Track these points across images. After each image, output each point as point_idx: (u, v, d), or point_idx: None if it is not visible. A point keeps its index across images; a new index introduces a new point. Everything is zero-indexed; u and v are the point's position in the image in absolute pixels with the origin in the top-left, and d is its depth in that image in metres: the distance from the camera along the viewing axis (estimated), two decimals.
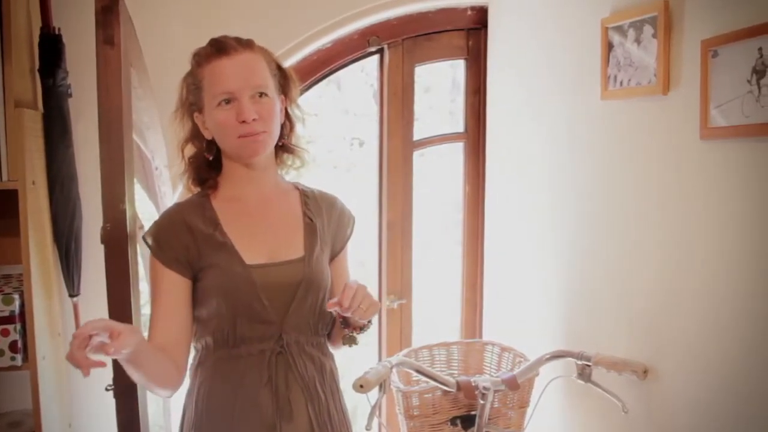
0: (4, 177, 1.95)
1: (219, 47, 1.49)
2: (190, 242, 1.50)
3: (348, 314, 1.41)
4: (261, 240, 1.54)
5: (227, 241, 1.51)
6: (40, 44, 2.11)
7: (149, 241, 1.52)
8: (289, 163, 1.65)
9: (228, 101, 1.46)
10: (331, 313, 1.60)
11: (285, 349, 1.51)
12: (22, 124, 1.95)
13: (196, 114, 1.54)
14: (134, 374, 1.40)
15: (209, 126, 1.52)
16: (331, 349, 1.66)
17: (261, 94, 1.48)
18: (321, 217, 1.63)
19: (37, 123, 2.10)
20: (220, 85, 1.47)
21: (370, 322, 1.55)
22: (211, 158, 1.57)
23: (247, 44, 1.51)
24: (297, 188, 1.67)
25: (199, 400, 1.53)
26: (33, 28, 2.14)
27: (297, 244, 1.57)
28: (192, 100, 1.54)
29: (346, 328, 1.55)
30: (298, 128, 1.64)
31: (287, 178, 1.69)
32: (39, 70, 2.12)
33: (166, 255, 1.49)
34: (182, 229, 1.51)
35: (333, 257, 1.65)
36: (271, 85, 1.52)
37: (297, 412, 1.51)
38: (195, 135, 1.57)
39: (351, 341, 1.57)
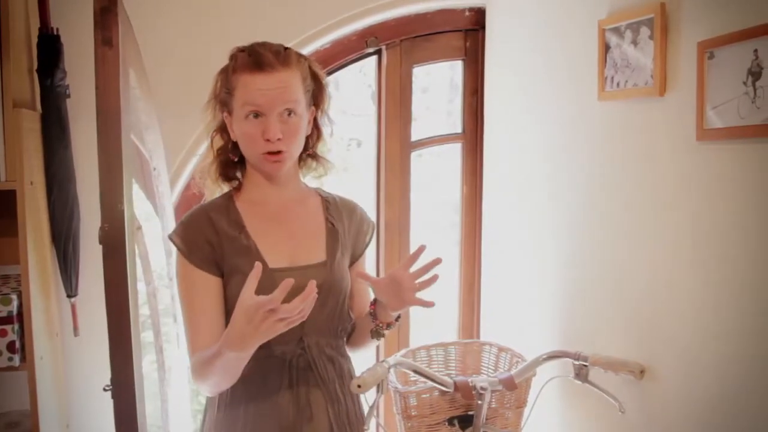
0: (2, 177, 1.95)
1: (257, 61, 1.46)
2: (215, 242, 1.51)
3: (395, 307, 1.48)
4: (284, 244, 1.55)
5: (252, 244, 1.51)
6: (38, 44, 2.12)
7: (177, 242, 1.51)
8: (313, 167, 1.66)
9: (256, 115, 1.46)
10: (349, 315, 1.63)
11: (306, 351, 1.53)
12: (20, 125, 1.95)
13: (225, 114, 1.54)
14: (237, 368, 1.40)
15: (236, 132, 1.52)
16: (351, 349, 1.68)
17: (290, 113, 1.48)
18: (342, 222, 1.64)
19: (35, 123, 2.10)
20: (250, 99, 1.46)
21: (399, 317, 1.57)
22: (236, 159, 1.58)
23: (285, 61, 1.48)
24: (318, 194, 1.68)
25: (221, 402, 1.54)
26: (31, 28, 2.15)
27: (319, 248, 1.58)
28: (223, 100, 1.54)
29: (374, 321, 1.57)
30: (326, 137, 1.64)
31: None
32: (37, 71, 2.12)
33: (196, 256, 1.50)
34: (208, 229, 1.52)
35: (352, 263, 1.67)
36: (302, 103, 1.51)
37: (317, 414, 1.53)
38: (224, 128, 1.57)
39: (378, 335, 1.59)
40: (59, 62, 2.13)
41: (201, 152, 1.62)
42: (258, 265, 1.27)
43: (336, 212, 1.65)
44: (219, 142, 1.59)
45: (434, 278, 1.47)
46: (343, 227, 1.64)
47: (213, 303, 1.49)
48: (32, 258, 1.98)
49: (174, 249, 1.54)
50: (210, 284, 1.49)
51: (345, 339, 1.65)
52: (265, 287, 1.43)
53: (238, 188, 1.60)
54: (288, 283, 1.22)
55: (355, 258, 1.68)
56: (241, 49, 1.51)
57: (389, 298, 1.50)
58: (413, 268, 1.47)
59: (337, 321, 1.58)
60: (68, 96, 2.19)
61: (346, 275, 1.60)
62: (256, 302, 1.22)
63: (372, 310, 1.57)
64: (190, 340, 1.49)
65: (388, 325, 1.57)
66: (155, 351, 2.27)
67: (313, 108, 1.57)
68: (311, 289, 1.24)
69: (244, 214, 1.55)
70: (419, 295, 1.47)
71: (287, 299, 1.46)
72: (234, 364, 1.38)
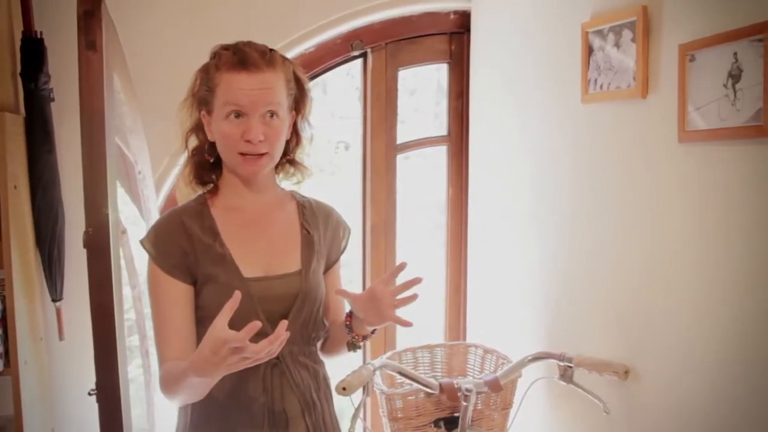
0: None
1: (242, 59, 1.43)
2: (188, 249, 1.47)
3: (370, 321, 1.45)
4: (259, 252, 1.52)
5: (226, 253, 1.48)
6: (22, 48, 2.11)
7: (148, 247, 1.48)
8: (291, 172, 1.63)
9: (237, 115, 1.43)
10: (323, 323, 1.61)
11: (280, 360, 1.50)
12: (4, 128, 1.94)
13: (203, 113, 1.50)
14: (205, 388, 1.37)
15: (214, 132, 1.48)
16: (325, 356, 1.66)
17: (272, 115, 1.45)
18: (318, 228, 1.62)
19: (18, 127, 2.09)
20: (233, 99, 1.42)
21: (375, 330, 1.54)
22: (212, 160, 1.54)
23: (270, 62, 1.45)
24: (294, 198, 1.65)
25: (194, 412, 1.51)
26: (15, 31, 2.14)
27: (294, 257, 1.55)
28: (202, 98, 1.49)
29: (350, 333, 1.55)
30: (305, 143, 1.61)
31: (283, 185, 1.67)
32: (21, 74, 2.11)
33: (167, 262, 1.46)
34: (181, 234, 1.48)
35: (327, 269, 1.64)
36: (284, 105, 1.48)
37: (293, 422, 1.51)
38: (200, 127, 1.53)
39: (354, 348, 1.57)
40: (43, 66, 2.12)
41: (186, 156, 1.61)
42: (237, 295, 1.23)
43: (312, 218, 1.62)
44: (194, 142, 1.55)
45: (414, 297, 1.44)
46: (319, 234, 1.61)
47: (183, 312, 1.46)
48: (16, 262, 1.97)
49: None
50: (181, 292, 1.46)
51: (318, 346, 1.63)
52: (240, 298, 1.41)
53: (213, 192, 1.56)
54: (254, 326, 1.17)
55: (331, 264, 1.65)
56: (225, 47, 1.48)
57: (367, 314, 1.47)
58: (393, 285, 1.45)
59: (311, 329, 1.55)
60: (52, 99, 2.18)
61: (321, 283, 1.58)
62: (224, 337, 1.18)
63: (348, 323, 1.55)
64: (158, 348, 1.47)
65: (364, 338, 1.55)
66: (141, 355, 2.26)
67: (293, 113, 1.55)
68: (280, 333, 1.20)
69: (218, 221, 1.52)
70: (398, 312, 1.44)
71: (264, 308, 1.46)
72: (201, 385, 1.35)
